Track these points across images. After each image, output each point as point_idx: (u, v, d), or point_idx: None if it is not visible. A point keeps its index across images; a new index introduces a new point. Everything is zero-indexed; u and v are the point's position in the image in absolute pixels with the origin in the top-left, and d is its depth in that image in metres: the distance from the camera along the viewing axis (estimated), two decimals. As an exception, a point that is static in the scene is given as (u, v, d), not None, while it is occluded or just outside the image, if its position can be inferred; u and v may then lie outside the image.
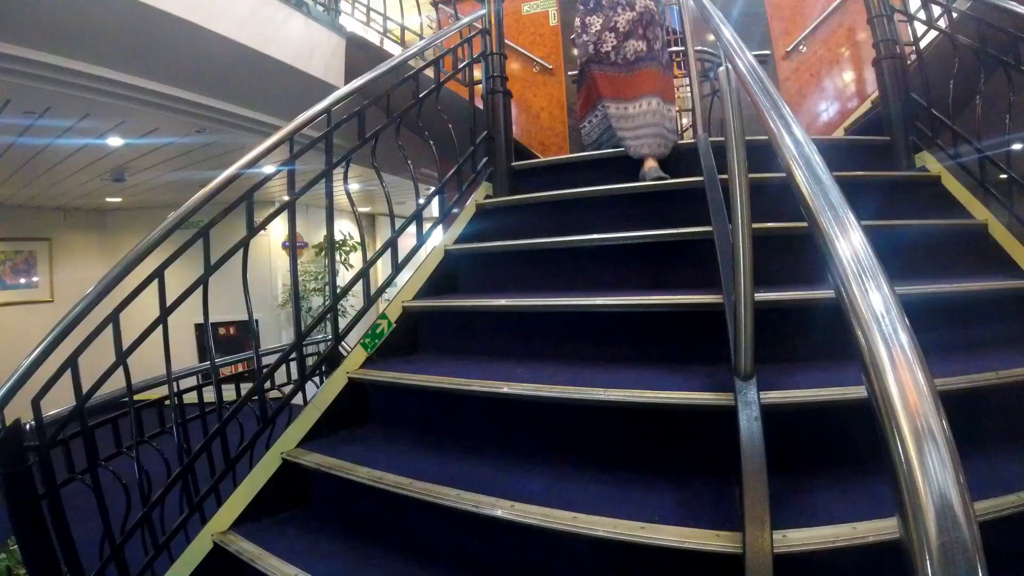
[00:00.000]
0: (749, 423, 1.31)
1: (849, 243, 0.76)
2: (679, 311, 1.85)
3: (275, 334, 7.37)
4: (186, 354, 1.63)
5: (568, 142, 4.98)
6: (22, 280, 6.83)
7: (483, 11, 3.12)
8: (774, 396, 1.40)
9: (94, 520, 1.80)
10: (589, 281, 2.32)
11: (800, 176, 0.93)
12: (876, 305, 0.66)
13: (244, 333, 7.14)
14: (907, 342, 0.62)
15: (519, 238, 2.52)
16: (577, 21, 2.98)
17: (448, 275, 2.60)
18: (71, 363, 1.68)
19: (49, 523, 1.76)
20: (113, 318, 1.69)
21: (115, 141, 4.63)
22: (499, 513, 1.39)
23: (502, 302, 2.22)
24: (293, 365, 2.21)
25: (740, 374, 1.43)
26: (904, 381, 0.58)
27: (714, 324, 1.69)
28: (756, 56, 1.39)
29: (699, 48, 3.91)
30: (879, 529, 1.16)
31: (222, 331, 7.18)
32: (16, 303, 6.68)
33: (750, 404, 1.35)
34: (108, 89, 3.30)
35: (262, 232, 2.14)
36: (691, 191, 2.31)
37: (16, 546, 2.33)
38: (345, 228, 7.59)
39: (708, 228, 2.02)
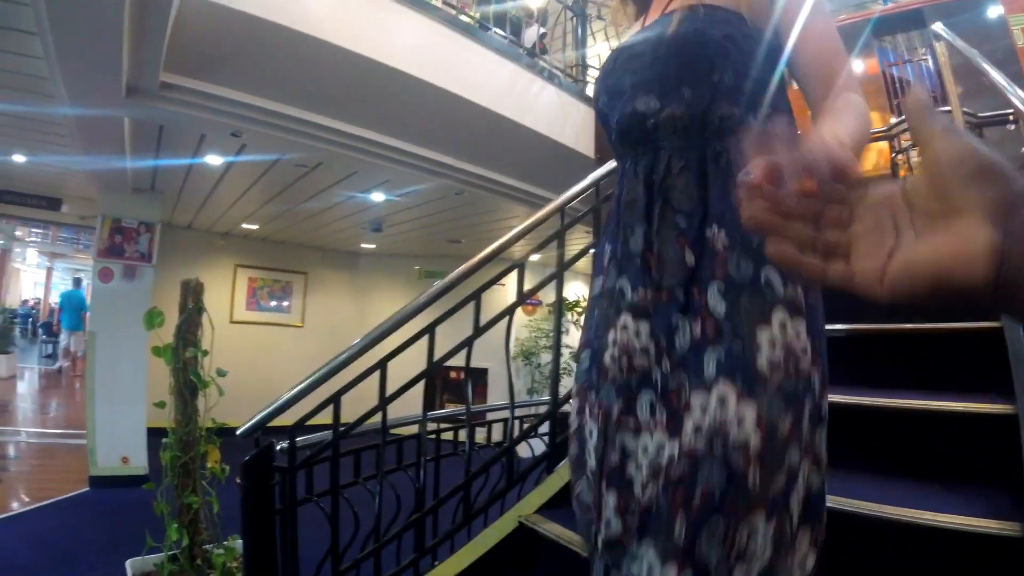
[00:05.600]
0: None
1: None
2: (956, 418, 1.56)
3: (503, 384, 7.65)
4: (410, 394, 1.75)
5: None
6: (274, 304, 7.94)
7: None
8: None
9: (312, 548, 1.93)
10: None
11: None
12: None
13: (471, 379, 7.56)
14: None
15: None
16: None
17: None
18: (334, 400, 1.84)
19: (278, 538, 1.92)
20: (381, 365, 1.83)
21: (378, 196, 5.20)
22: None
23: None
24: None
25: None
26: None
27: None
28: None
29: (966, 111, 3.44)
30: None
31: (452, 375, 7.69)
32: (271, 324, 7.78)
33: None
34: (376, 151, 3.71)
35: (499, 286, 2.22)
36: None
37: (233, 544, 2.60)
38: (578, 290, 7.74)
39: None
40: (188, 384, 2.36)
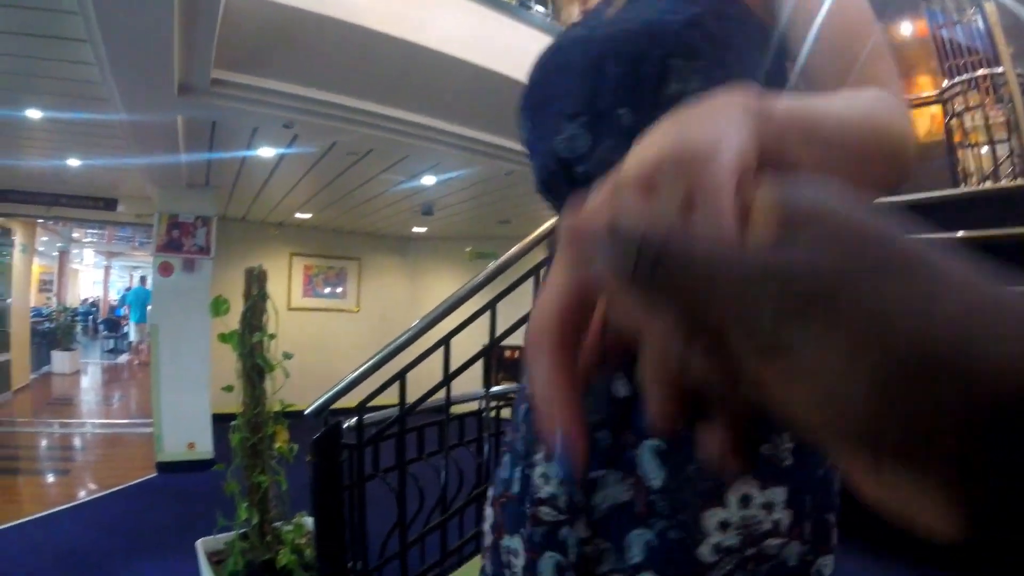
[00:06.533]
0: None
1: None
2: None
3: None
4: (465, 376, 1.81)
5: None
6: (329, 290, 8.14)
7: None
8: None
9: (377, 523, 1.99)
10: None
11: None
12: None
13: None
14: None
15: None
16: None
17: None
18: (400, 377, 1.89)
19: (346, 512, 1.99)
20: (445, 342, 1.87)
21: (428, 180, 5.24)
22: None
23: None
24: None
25: None
26: None
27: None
28: None
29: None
30: None
31: (507, 354, 7.77)
32: (327, 310, 7.99)
33: None
34: (426, 135, 3.75)
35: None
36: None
37: (301, 520, 2.69)
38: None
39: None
40: (255, 368, 2.45)
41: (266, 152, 4.21)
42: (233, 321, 2.53)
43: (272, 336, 2.51)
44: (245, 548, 2.60)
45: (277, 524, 2.68)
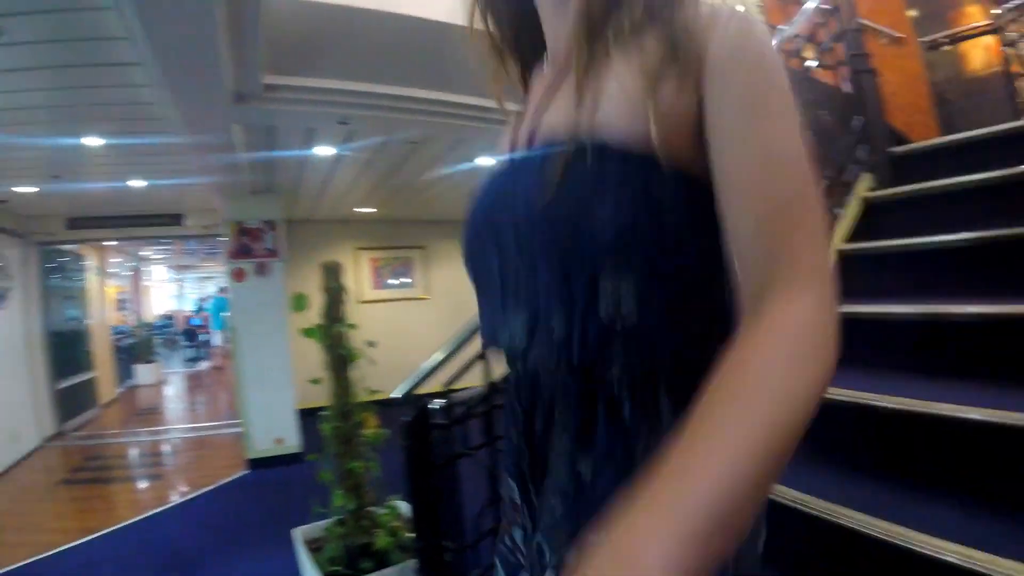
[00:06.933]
0: None
1: None
2: None
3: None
4: None
5: (936, 120, 4.26)
6: (397, 281, 8.31)
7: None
8: None
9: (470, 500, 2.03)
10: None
11: None
12: None
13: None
14: None
15: (921, 235, 2.15)
16: None
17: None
18: (483, 355, 1.91)
19: (440, 492, 2.03)
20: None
21: (484, 161, 5.24)
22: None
23: (919, 309, 1.84)
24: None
25: None
26: None
27: None
28: None
29: None
30: None
31: None
32: (397, 299, 8.17)
33: None
34: (478, 115, 3.74)
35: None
36: None
37: (396, 503, 2.76)
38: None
39: None
40: (340, 358, 2.52)
41: (324, 150, 4.30)
42: (312, 316, 2.61)
43: (353, 326, 2.58)
44: (342, 533, 2.69)
45: (371, 508, 2.76)
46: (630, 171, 0.53)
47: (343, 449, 2.57)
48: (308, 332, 2.54)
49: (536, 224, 0.57)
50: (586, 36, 0.62)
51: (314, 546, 2.80)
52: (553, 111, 0.64)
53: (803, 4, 2.79)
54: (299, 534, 2.90)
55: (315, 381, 2.61)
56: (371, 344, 2.41)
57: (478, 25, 0.77)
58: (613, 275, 0.54)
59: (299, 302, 2.53)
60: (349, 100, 3.41)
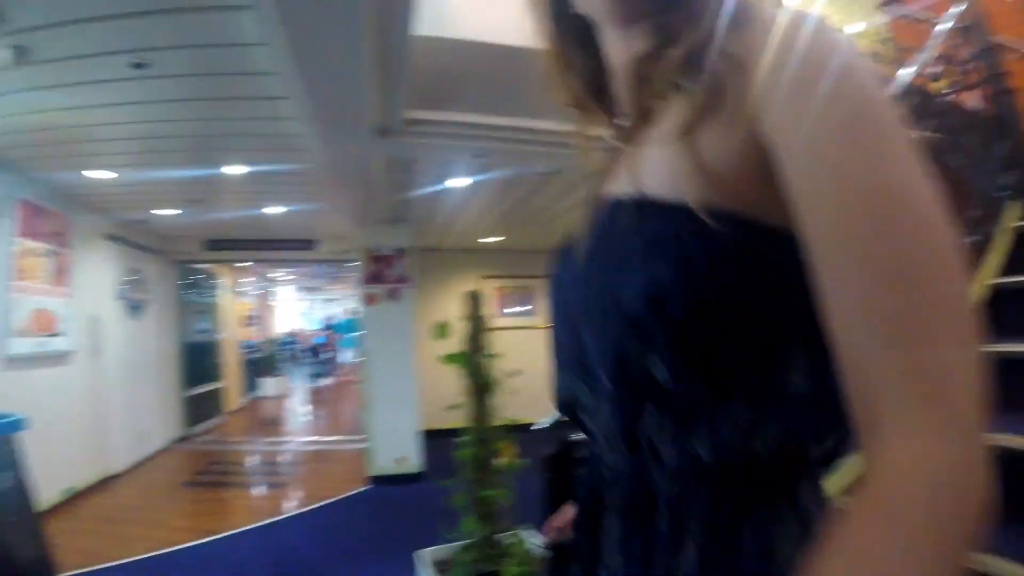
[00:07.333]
0: None
1: None
2: None
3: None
4: None
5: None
6: (520, 309, 8.46)
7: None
8: None
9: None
10: None
11: None
12: None
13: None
14: None
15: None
16: None
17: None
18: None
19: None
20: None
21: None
22: None
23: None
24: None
25: None
26: None
27: None
28: None
29: None
30: None
31: None
32: (517, 328, 8.25)
33: None
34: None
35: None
36: None
37: (527, 533, 2.73)
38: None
39: None
40: (481, 385, 2.57)
41: (460, 182, 4.45)
42: (451, 343, 2.68)
43: (494, 356, 2.63)
44: (471, 560, 2.70)
45: (501, 535, 2.77)
46: (665, 229, 0.46)
47: (478, 476, 2.60)
48: (450, 358, 2.62)
49: (577, 287, 0.56)
50: (636, 83, 0.58)
51: (439, 569, 2.83)
52: (617, 168, 0.61)
53: (934, 24, 2.62)
54: (427, 556, 2.95)
55: (454, 407, 2.67)
56: (515, 373, 2.44)
57: (562, 83, 0.73)
58: (642, 347, 0.47)
59: (441, 330, 2.61)
60: (485, 134, 3.51)
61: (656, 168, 0.50)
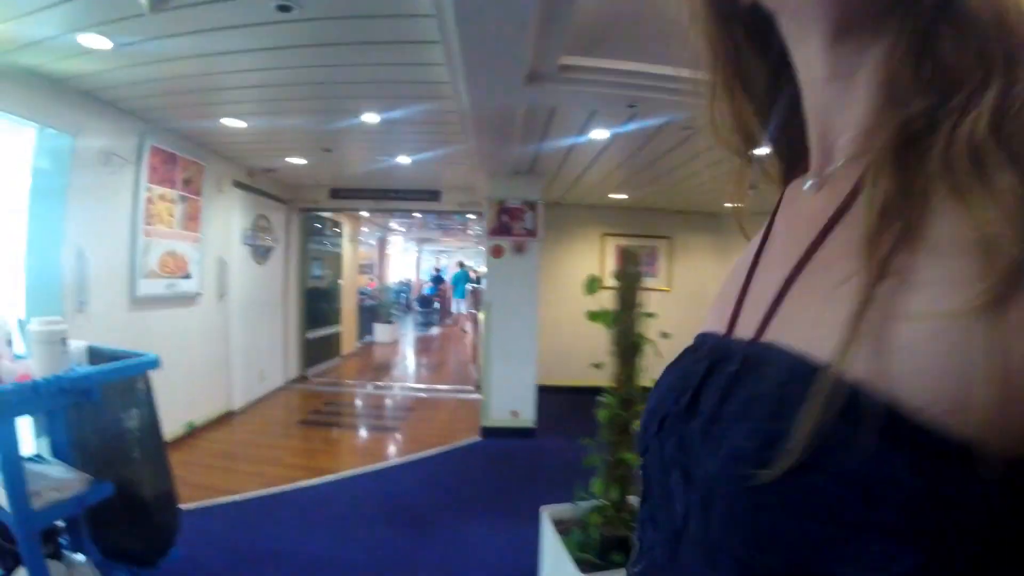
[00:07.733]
0: None
1: None
2: None
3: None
4: None
5: None
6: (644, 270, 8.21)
7: None
8: None
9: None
10: None
11: None
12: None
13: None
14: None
15: None
16: None
17: None
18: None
19: None
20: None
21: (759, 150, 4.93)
22: None
23: None
24: None
25: None
26: None
27: None
28: None
29: None
30: None
31: None
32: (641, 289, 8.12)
33: None
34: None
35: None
36: None
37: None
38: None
39: None
40: (631, 346, 2.46)
41: (599, 134, 4.27)
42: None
43: (651, 315, 2.50)
44: (600, 522, 2.63)
45: (633, 500, 2.68)
46: (936, 476, 0.26)
47: (618, 438, 2.51)
48: (595, 316, 2.50)
49: (721, 503, 0.34)
50: (890, 149, 0.32)
51: (561, 528, 2.78)
52: (798, 299, 0.37)
53: None
54: (548, 513, 2.91)
55: (598, 365, 2.57)
56: (666, 336, 2.29)
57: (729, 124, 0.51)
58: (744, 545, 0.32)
59: (592, 285, 2.50)
60: (638, 81, 3.31)
61: (921, 344, 0.27)
